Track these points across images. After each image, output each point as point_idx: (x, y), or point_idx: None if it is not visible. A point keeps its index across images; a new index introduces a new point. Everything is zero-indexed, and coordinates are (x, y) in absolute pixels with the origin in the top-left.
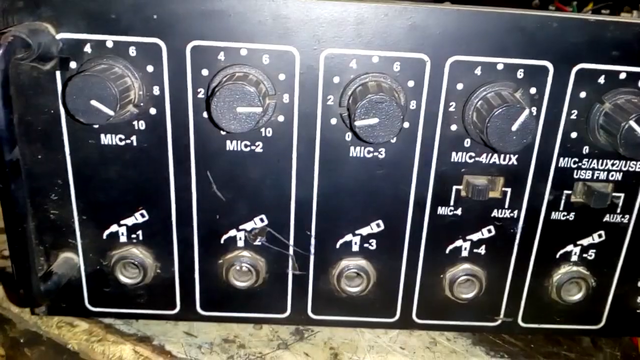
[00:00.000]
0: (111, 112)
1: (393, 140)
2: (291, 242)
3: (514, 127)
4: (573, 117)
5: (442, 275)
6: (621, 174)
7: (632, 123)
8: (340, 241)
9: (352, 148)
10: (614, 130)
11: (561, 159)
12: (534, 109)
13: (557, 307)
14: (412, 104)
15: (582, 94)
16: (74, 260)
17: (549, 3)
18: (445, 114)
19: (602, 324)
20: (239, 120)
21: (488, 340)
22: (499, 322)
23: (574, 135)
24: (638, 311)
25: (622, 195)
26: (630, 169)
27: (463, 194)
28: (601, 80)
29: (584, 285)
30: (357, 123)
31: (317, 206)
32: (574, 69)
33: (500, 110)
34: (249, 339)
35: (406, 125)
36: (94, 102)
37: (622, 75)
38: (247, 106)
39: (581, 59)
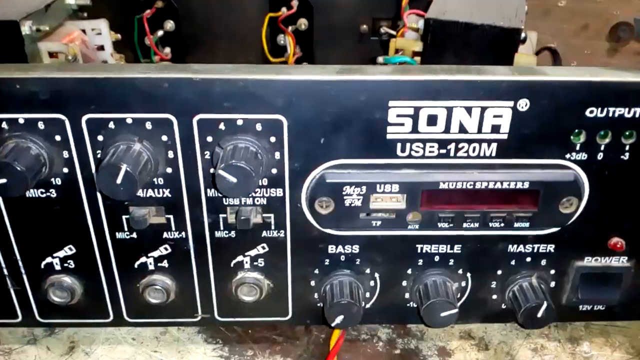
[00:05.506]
0: None
1: (59, 183)
2: (3, 265)
3: (118, 181)
4: (207, 157)
5: (138, 285)
6: (265, 199)
7: (220, 172)
8: (44, 262)
9: None
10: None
11: (208, 190)
12: (170, 153)
13: (246, 305)
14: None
15: (209, 139)
16: None
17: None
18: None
19: (290, 315)
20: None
21: (211, 329)
22: (199, 318)
23: (213, 170)
24: (317, 305)
25: (272, 215)
26: (272, 195)
27: (131, 222)
28: (222, 127)
29: (260, 287)
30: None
31: (14, 237)
32: (195, 119)
33: (101, 170)
34: (6, 336)
35: (66, 170)
36: None
37: (240, 122)
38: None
39: (198, 111)
